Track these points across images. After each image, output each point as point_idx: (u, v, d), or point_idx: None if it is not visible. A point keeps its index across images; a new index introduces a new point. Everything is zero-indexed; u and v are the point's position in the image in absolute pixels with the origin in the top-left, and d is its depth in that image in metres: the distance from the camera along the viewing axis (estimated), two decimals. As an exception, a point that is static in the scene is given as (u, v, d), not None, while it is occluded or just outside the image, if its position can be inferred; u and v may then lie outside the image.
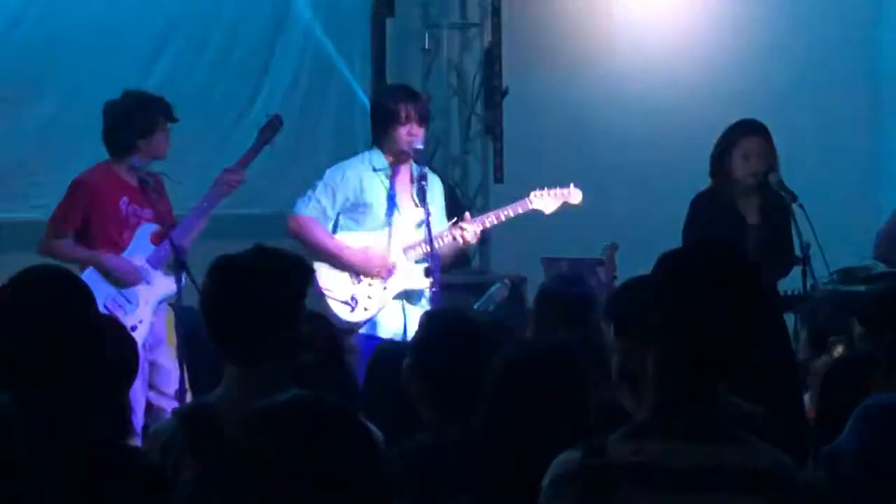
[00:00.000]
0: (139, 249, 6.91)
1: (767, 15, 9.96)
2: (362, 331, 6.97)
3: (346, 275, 7.00)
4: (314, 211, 7.01)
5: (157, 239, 6.89)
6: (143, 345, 6.59)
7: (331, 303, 6.95)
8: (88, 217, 6.89)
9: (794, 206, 6.84)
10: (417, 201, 6.93)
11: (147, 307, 6.88)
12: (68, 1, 8.58)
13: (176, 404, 6.31)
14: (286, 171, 8.63)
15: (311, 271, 3.80)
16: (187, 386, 6.42)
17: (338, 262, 6.98)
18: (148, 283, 6.89)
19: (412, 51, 9.98)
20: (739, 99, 9.25)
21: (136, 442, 4.32)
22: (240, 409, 2.80)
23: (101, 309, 4.74)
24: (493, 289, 7.63)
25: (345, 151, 7.87)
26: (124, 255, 6.88)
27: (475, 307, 7.36)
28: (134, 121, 6.89)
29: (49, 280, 3.37)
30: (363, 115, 8.26)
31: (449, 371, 3.97)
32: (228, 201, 7.17)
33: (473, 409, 3.55)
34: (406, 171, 7.04)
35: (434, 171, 7.65)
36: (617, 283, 7.05)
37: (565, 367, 3.50)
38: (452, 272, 7.95)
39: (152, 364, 6.81)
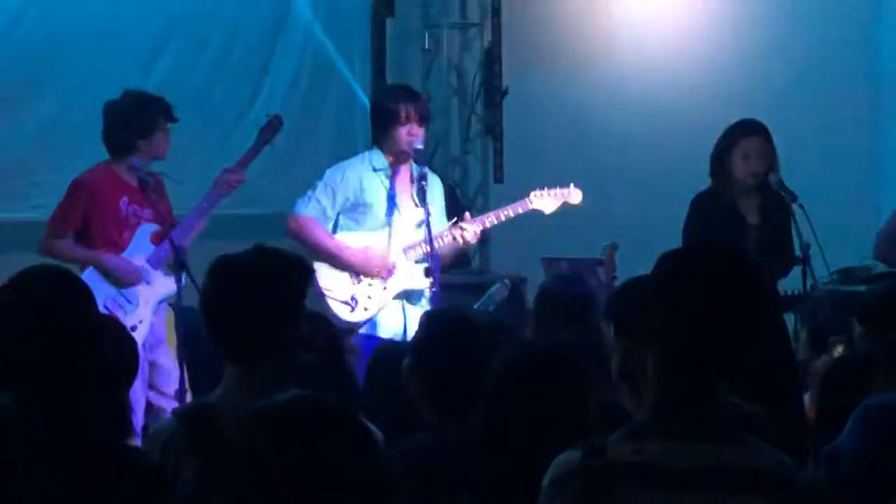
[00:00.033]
0: (139, 249, 6.91)
1: (767, 15, 9.96)
2: (362, 331, 6.97)
3: (346, 275, 7.00)
4: (314, 211, 7.01)
5: (157, 239, 6.89)
6: (143, 345, 6.59)
7: (331, 303, 6.95)
8: (88, 217, 6.89)
9: (794, 206, 6.84)
10: (417, 201, 6.93)
11: (147, 307, 6.88)
12: (68, 1, 8.58)
13: (176, 404, 6.31)
14: (286, 171, 8.63)
15: (311, 271, 3.81)
16: (187, 386, 6.42)
17: (338, 262, 6.98)
18: (148, 283, 6.89)
19: (412, 51, 9.98)
20: (739, 99, 9.25)
21: (136, 442, 4.33)
22: (240, 409, 2.80)
23: (101, 309, 4.74)
24: (493, 289, 7.63)
25: (345, 151, 7.87)
26: (124, 255, 6.88)
27: (475, 307, 7.36)
28: (134, 121, 6.89)
29: (49, 280, 3.37)
30: (363, 115, 8.26)
31: (449, 371, 3.97)
32: (228, 201, 7.17)
33: (473, 409, 3.55)
34: (406, 172, 7.04)
35: (434, 171, 7.65)
36: (617, 283, 7.05)
37: (565, 367, 3.50)
38: (452, 272, 7.95)
39: (152, 364, 6.81)
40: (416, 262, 6.99)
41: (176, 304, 6.58)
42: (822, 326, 6.79)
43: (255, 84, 9.09)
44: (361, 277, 6.99)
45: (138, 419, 6.27)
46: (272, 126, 7.14)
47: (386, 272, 6.97)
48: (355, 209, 7.02)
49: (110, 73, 8.21)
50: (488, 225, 7.12)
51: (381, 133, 7.04)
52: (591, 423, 3.40)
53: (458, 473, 3.55)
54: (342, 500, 2.54)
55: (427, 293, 6.80)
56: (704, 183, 7.04)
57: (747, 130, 6.94)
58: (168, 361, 6.84)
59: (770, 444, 3.07)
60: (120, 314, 6.62)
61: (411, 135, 6.91)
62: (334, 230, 7.04)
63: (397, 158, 7.00)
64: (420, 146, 6.96)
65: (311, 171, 7.60)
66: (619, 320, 3.81)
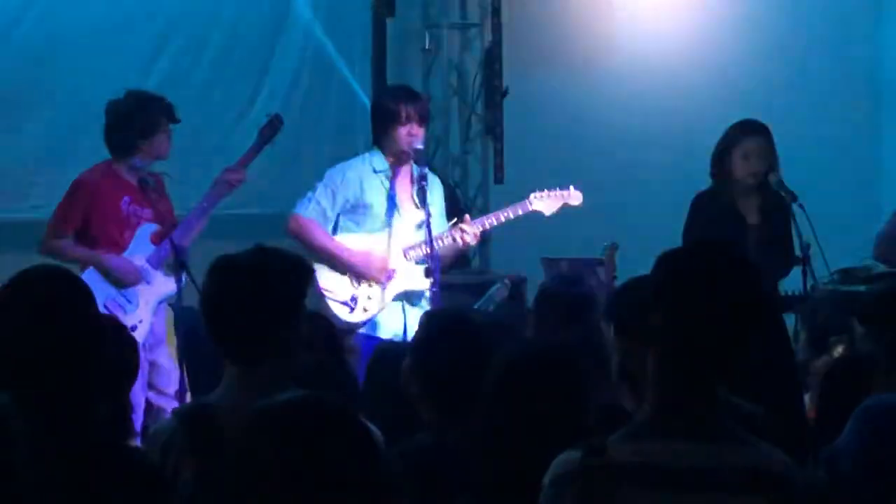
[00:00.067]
0: (139, 249, 6.90)
1: (767, 15, 9.95)
2: (362, 331, 6.97)
3: (346, 276, 7.00)
4: (314, 212, 7.01)
5: (158, 239, 6.89)
6: (143, 345, 6.59)
7: (331, 303, 6.94)
8: (89, 217, 6.89)
9: (794, 206, 6.85)
10: (418, 202, 6.93)
11: (147, 307, 6.88)
12: (68, 1, 8.58)
13: (176, 404, 6.31)
14: (286, 171, 8.63)
15: (311, 271, 3.81)
16: (187, 386, 6.42)
17: (338, 263, 6.98)
18: (148, 283, 6.89)
19: (412, 51, 9.98)
20: (739, 99, 9.25)
21: (136, 442, 4.33)
22: (240, 409, 2.80)
23: (102, 309, 4.75)
24: (493, 289, 7.63)
25: (345, 151, 7.87)
26: (125, 255, 6.88)
27: (475, 307, 7.35)
28: (135, 121, 6.88)
29: (49, 280, 3.37)
30: (363, 116, 8.25)
31: (449, 371, 3.97)
32: (228, 201, 7.17)
33: (473, 409, 3.55)
34: (406, 173, 7.04)
35: (434, 171, 7.65)
36: (617, 283, 7.05)
37: (565, 367, 3.50)
38: (452, 272, 7.94)
39: (152, 364, 6.81)
40: (417, 262, 6.99)
41: (176, 304, 6.58)
42: (822, 326, 6.79)
43: (255, 84, 9.09)
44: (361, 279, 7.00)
45: (138, 419, 6.27)
46: (272, 126, 7.14)
47: (385, 277, 6.97)
48: (355, 210, 7.02)
49: (110, 73, 8.21)
50: (488, 226, 7.13)
51: (381, 133, 7.03)
52: (591, 423, 3.40)
53: (458, 473, 3.55)
54: (342, 500, 2.54)
55: (427, 293, 6.80)
56: (704, 183, 7.04)
57: (748, 130, 6.94)
58: (168, 361, 6.84)
59: (770, 444, 3.07)
60: (120, 314, 6.62)
61: (411, 135, 6.91)
62: (334, 231, 7.04)
63: (397, 159, 7.00)
64: (420, 146, 6.97)
65: (311, 171, 7.60)
66: (619, 320, 3.81)
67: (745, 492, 2.96)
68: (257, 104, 8.87)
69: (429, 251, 6.74)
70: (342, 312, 6.95)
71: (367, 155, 7.12)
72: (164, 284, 6.83)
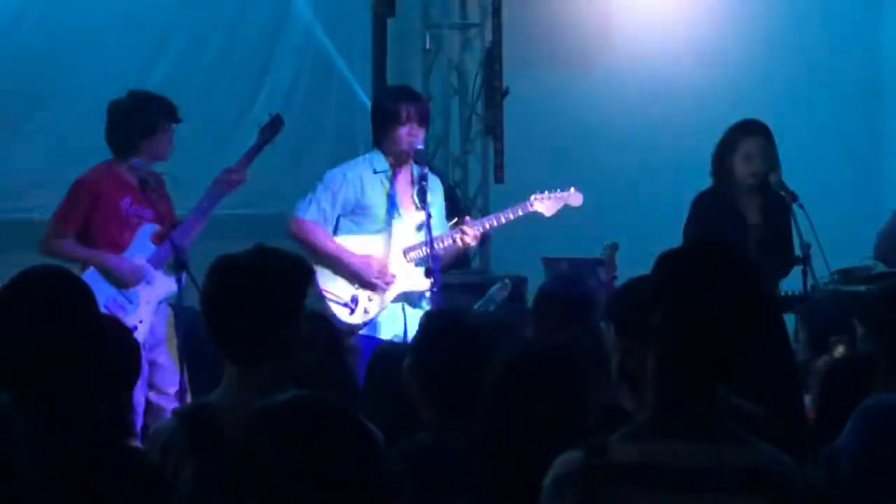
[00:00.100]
0: (140, 250, 6.90)
1: (768, 15, 9.95)
2: (362, 331, 6.97)
3: (346, 277, 7.01)
4: (314, 214, 7.00)
5: (158, 239, 6.89)
6: (144, 344, 6.59)
7: (331, 305, 6.94)
8: (90, 217, 6.89)
9: (795, 206, 6.85)
10: (418, 203, 6.92)
11: (147, 307, 6.88)
12: (68, 1, 8.58)
13: (176, 404, 6.30)
14: (286, 171, 8.63)
15: (312, 271, 3.81)
16: (187, 386, 6.42)
17: (338, 265, 6.97)
18: (148, 283, 6.88)
19: (412, 51, 9.98)
20: (740, 99, 9.25)
21: (136, 442, 4.33)
22: (240, 409, 2.80)
23: (102, 309, 4.74)
24: (493, 289, 7.62)
25: (345, 151, 7.87)
26: (125, 255, 6.88)
27: (475, 307, 7.35)
28: (137, 121, 6.88)
29: (49, 280, 3.37)
30: (363, 116, 8.25)
31: (449, 371, 3.97)
32: (228, 201, 7.17)
33: (473, 409, 3.55)
34: (406, 173, 7.04)
35: (434, 171, 7.65)
36: (617, 283, 7.04)
37: (565, 367, 3.50)
38: (452, 272, 7.94)
39: (152, 363, 6.81)
40: (417, 263, 6.98)
41: (176, 304, 6.58)
42: (822, 326, 6.78)
43: (255, 84, 9.09)
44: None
45: (138, 419, 6.27)
46: (273, 125, 7.14)
47: (385, 283, 6.96)
48: (356, 211, 7.02)
49: (110, 74, 8.22)
50: (488, 227, 7.14)
51: (381, 133, 7.04)
52: (591, 423, 3.40)
53: (458, 473, 3.55)
54: (342, 500, 2.54)
55: (427, 294, 6.80)
56: (705, 183, 7.04)
57: (749, 130, 6.95)
58: (168, 361, 6.84)
59: (770, 444, 3.07)
60: (121, 314, 6.62)
61: (411, 135, 6.91)
62: (335, 232, 7.04)
63: (398, 159, 7.00)
64: (420, 146, 6.97)
65: (311, 172, 7.60)
66: (620, 320, 3.81)
67: (745, 492, 2.96)
68: (257, 104, 8.87)
69: (429, 251, 6.74)
70: (343, 314, 6.95)
71: (367, 156, 7.13)
72: (165, 284, 6.83)
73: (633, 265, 4.75)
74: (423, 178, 6.90)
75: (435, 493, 3.69)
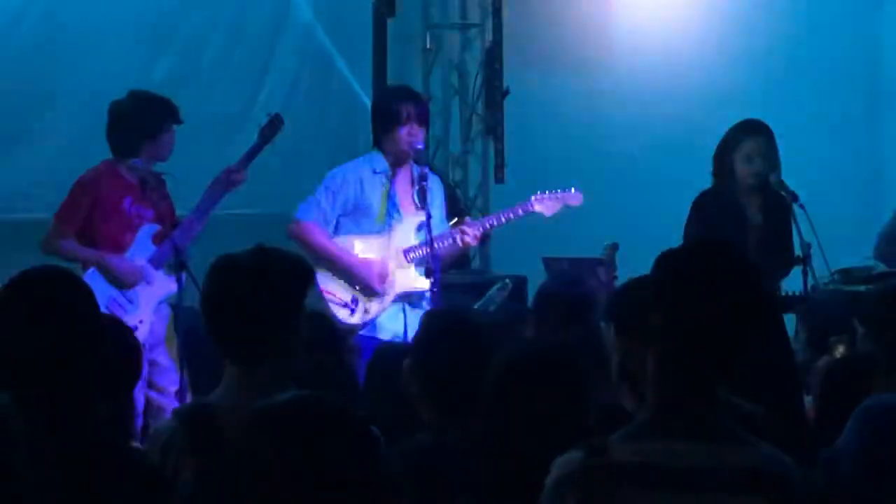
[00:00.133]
0: (140, 250, 6.90)
1: (768, 15, 9.95)
2: (362, 331, 6.97)
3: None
4: (315, 215, 7.00)
5: (158, 239, 6.89)
6: (144, 344, 6.59)
7: (332, 305, 6.94)
8: (91, 217, 6.88)
9: (795, 206, 6.85)
10: (418, 203, 6.92)
11: (148, 308, 6.88)
12: (69, 1, 8.58)
13: (176, 404, 6.31)
14: (286, 171, 8.62)
15: (312, 272, 3.81)
16: (187, 386, 6.42)
17: (338, 267, 6.97)
18: (149, 283, 6.88)
19: (413, 51, 9.98)
20: (740, 99, 9.26)
21: (136, 442, 4.33)
22: (240, 409, 2.80)
23: (103, 309, 4.74)
24: (493, 289, 7.63)
25: (345, 151, 7.87)
26: (126, 255, 6.88)
27: (475, 307, 7.35)
28: (139, 122, 6.88)
29: (49, 280, 3.37)
30: (364, 116, 8.25)
31: (449, 371, 3.97)
32: (228, 201, 7.17)
33: (473, 409, 3.55)
34: (406, 173, 7.04)
35: (434, 171, 7.64)
36: (617, 283, 7.05)
37: (565, 367, 3.50)
38: (452, 272, 7.94)
39: (152, 363, 6.81)
40: (417, 264, 6.98)
41: (176, 304, 6.58)
42: (822, 326, 6.78)
43: (255, 84, 9.09)
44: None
45: (138, 419, 6.27)
46: (273, 125, 7.14)
47: (384, 289, 6.96)
48: (356, 211, 7.02)
49: (111, 73, 8.21)
50: (489, 227, 7.14)
51: (381, 133, 7.03)
52: (591, 423, 3.40)
53: (458, 473, 3.55)
54: (342, 500, 2.55)
55: (427, 294, 6.80)
56: (705, 182, 7.04)
57: (750, 130, 6.95)
58: (168, 360, 6.84)
59: (770, 444, 3.07)
60: (121, 314, 6.61)
61: (412, 135, 6.91)
62: (336, 233, 7.04)
63: (398, 159, 7.00)
64: (420, 146, 6.97)
65: (311, 172, 7.60)
66: (619, 320, 3.81)
67: (745, 492, 2.96)
68: (257, 104, 8.86)
69: (429, 251, 6.73)
70: (343, 314, 6.95)
71: (367, 156, 7.13)
72: (165, 285, 6.83)
73: (633, 265, 4.75)
74: (423, 178, 6.89)
75: (435, 493, 3.69)
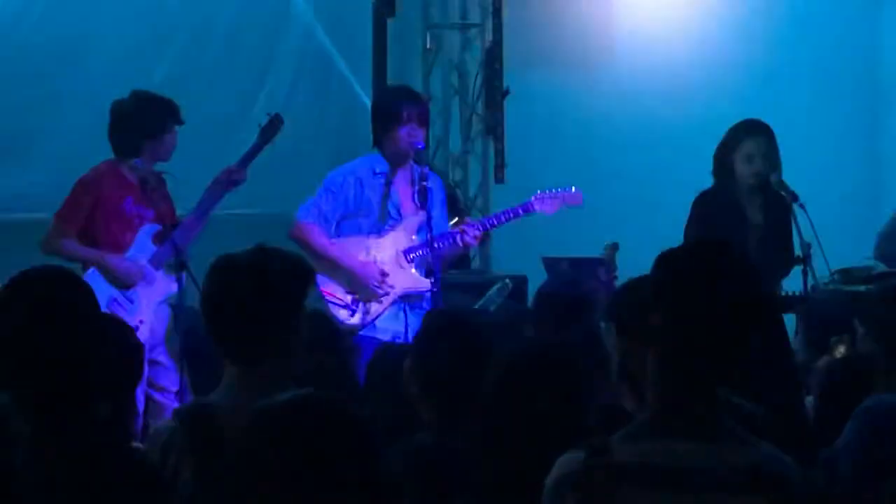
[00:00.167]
0: (141, 250, 6.90)
1: (768, 15, 9.96)
2: (362, 331, 6.97)
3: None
4: (315, 217, 7.00)
5: (159, 239, 6.89)
6: (144, 345, 6.58)
7: (332, 306, 6.94)
8: (92, 217, 6.88)
9: (795, 206, 6.85)
10: (419, 203, 6.92)
11: (148, 308, 6.88)
12: (69, 1, 8.59)
13: (176, 403, 6.31)
14: (286, 171, 8.62)
15: (312, 272, 3.80)
16: (187, 386, 6.42)
17: (338, 269, 6.96)
18: (149, 283, 6.88)
19: (413, 51, 9.98)
20: (740, 99, 9.26)
21: (136, 442, 4.32)
22: (240, 409, 2.80)
23: (104, 309, 4.75)
24: (493, 289, 7.63)
25: (346, 151, 7.86)
26: (126, 255, 6.87)
27: (475, 307, 7.35)
28: (141, 122, 6.87)
29: (49, 280, 3.37)
30: (364, 116, 8.25)
31: (449, 371, 3.97)
32: (228, 201, 7.16)
33: (473, 409, 3.55)
34: (407, 174, 7.03)
35: (434, 171, 7.64)
36: (617, 283, 7.05)
37: (565, 367, 3.50)
38: (452, 272, 7.95)
39: (152, 363, 6.80)
40: (417, 264, 6.98)
41: (176, 304, 6.58)
42: (822, 326, 6.78)
43: (255, 84, 9.09)
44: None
45: (138, 419, 6.26)
46: (273, 125, 7.14)
47: (384, 290, 6.95)
48: (356, 213, 7.02)
49: (111, 73, 8.22)
50: (489, 227, 7.14)
51: (381, 134, 7.03)
52: (591, 423, 3.40)
53: (458, 473, 3.55)
54: (342, 500, 2.54)
55: (428, 294, 6.80)
56: (706, 182, 7.04)
57: (750, 130, 6.95)
58: (168, 360, 6.84)
59: (770, 444, 3.07)
60: (121, 314, 6.62)
61: (412, 135, 6.91)
62: (336, 233, 7.04)
63: (398, 159, 7.00)
64: (421, 146, 6.97)
65: (311, 172, 7.60)
66: (620, 320, 3.81)
67: (745, 492, 2.96)
68: (257, 104, 8.86)
69: (429, 251, 6.73)
70: (343, 315, 6.94)
71: (367, 157, 7.12)
72: (165, 285, 6.83)
73: (633, 265, 4.75)
74: (423, 178, 6.89)
75: (435, 493, 3.69)
